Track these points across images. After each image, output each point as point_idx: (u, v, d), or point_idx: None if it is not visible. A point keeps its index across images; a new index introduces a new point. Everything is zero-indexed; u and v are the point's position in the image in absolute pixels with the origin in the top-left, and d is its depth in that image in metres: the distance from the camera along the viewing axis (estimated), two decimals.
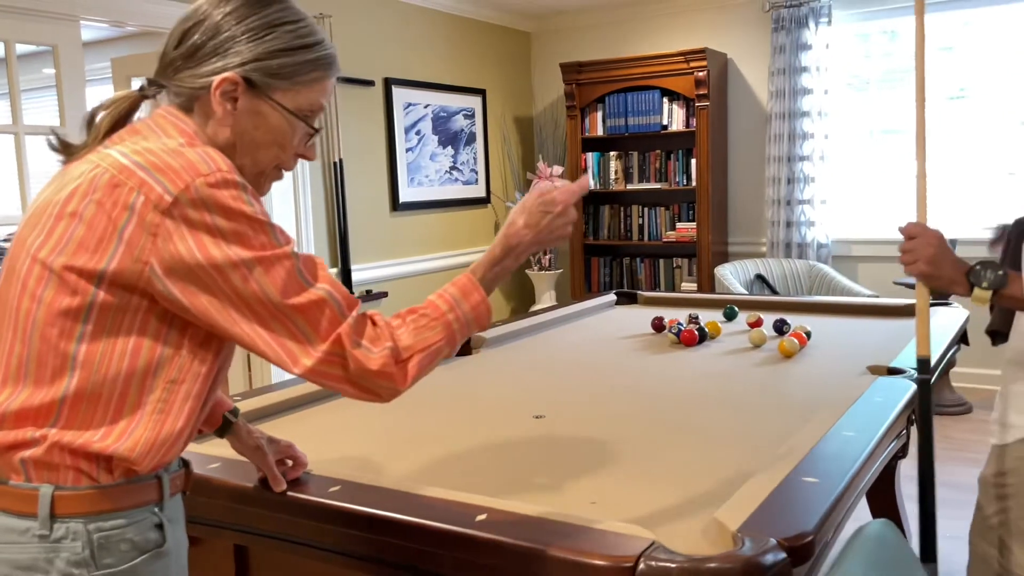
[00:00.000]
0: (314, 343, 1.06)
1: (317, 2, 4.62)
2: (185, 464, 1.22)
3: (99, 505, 1.04)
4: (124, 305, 1.04)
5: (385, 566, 1.28)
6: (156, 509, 1.10)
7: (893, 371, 2.07)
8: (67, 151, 1.13)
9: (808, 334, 2.57)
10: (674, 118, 5.55)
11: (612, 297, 3.58)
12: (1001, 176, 5.05)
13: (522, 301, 6.36)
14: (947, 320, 2.69)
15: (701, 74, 5.31)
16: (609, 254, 6.04)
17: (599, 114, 5.77)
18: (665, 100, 5.56)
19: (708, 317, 3.07)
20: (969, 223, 5.08)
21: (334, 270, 4.77)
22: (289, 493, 1.38)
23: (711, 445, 1.66)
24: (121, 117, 1.14)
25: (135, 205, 1.01)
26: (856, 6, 5.25)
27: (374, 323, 1.12)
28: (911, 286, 4.73)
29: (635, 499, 1.39)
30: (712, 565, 1.07)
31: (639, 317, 3.20)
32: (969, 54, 5.05)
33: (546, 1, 5.72)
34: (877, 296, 4.40)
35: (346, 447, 1.73)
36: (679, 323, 2.75)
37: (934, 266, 1.62)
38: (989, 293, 1.58)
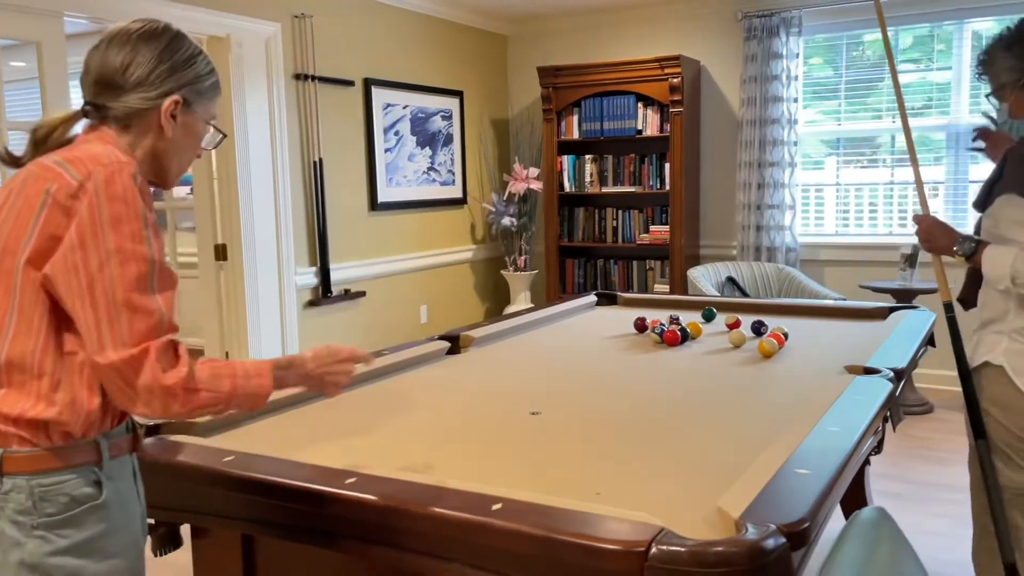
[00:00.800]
0: (126, 343, 1.23)
1: (299, 3, 4.64)
2: (133, 429, 1.40)
3: (39, 464, 1.25)
4: (37, 282, 1.25)
5: (403, 552, 1.34)
6: (95, 469, 1.30)
7: (869, 371, 2.17)
8: (15, 163, 1.36)
9: (786, 335, 2.67)
10: (648, 123, 5.66)
11: (593, 298, 3.66)
12: (963, 182, 5.23)
13: (497, 302, 6.43)
14: (916, 323, 2.81)
15: (675, 80, 5.42)
16: (583, 255, 6.13)
17: (575, 118, 5.85)
18: (640, 105, 5.66)
19: (687, 318, 3.17)
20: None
21: (313, 269, 4.80)
22: (304, 484, 1.43)
23: (704, 440, 1.74)
24: (60, 132, 1.36)
25: (50, 190, 1.24)
26: (826, 17, 5.41)
27: (177, 353, 1.28)
28: (877, 290, 4.89)
29: (637, 490, 1.47)
30: (719, 549, 1.14)
31: (620, 318, 3.29)
32: (933, 67, 5.23)
33: (523, 5, 5.79)
34: (844, 299, 4.54)
35: (351, 444, 1.78)
36: (661, 324, 2.83)
37: (931, 237, 2.21)
38: (964, 259, 2.13)
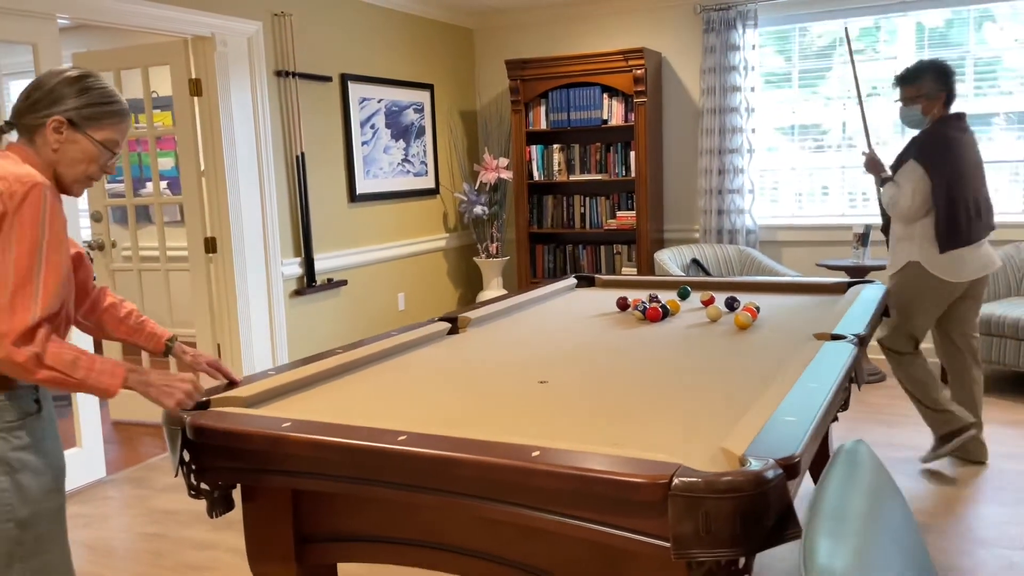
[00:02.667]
0: (14, 324, 1.64)
1: (278, 2, 4.78)
2: None
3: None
4: None
5: (455, 496, 1.56)
6: (35, 390, 1.78)
7: (836, 337, 2.44)
8: None
9: (758, 308, 2.94)
10: (613, 113, 5.91)
11: (573, 280, 3.89)
12: None
13: (470, 288, 6.64)
14: (872, 295, 3.10)
15: (639, 72, 5.67)
16: (553, 241, 6.37)
17: (543, 108, 6.08)
18: (605, 96, 5.91)
19: (664, 297, 3.42)
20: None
21: (298, 259, 4.96)
22: (364, 443, 1.64)
23: (699, 397, 1.98)
24: None
25: None
26: (780, 10, 5.70)
27: (33, 336, 1.66)
28: (832, 267, 5.22)
29: (648, 440, 1.70)
30: (729, 478, 1.38)
31: (600, 298, 3.53)
32: (880, 55, 5.56)
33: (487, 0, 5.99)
34: (802, 276, 4.85)
35: (380, 412, 1.99)
36: (643, 302, 3.08)
37: (872, 167, 3.79)
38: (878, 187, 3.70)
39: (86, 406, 3.97)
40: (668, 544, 1.40)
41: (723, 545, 1.37)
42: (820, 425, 1.70)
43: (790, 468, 1.46)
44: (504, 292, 6.26)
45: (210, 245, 4.57)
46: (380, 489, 1.69)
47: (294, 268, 4.94)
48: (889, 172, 3.70)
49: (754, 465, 1.42)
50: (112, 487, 3.93)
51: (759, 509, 1.38)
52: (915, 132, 3.69)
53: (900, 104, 3.65)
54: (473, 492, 1.56)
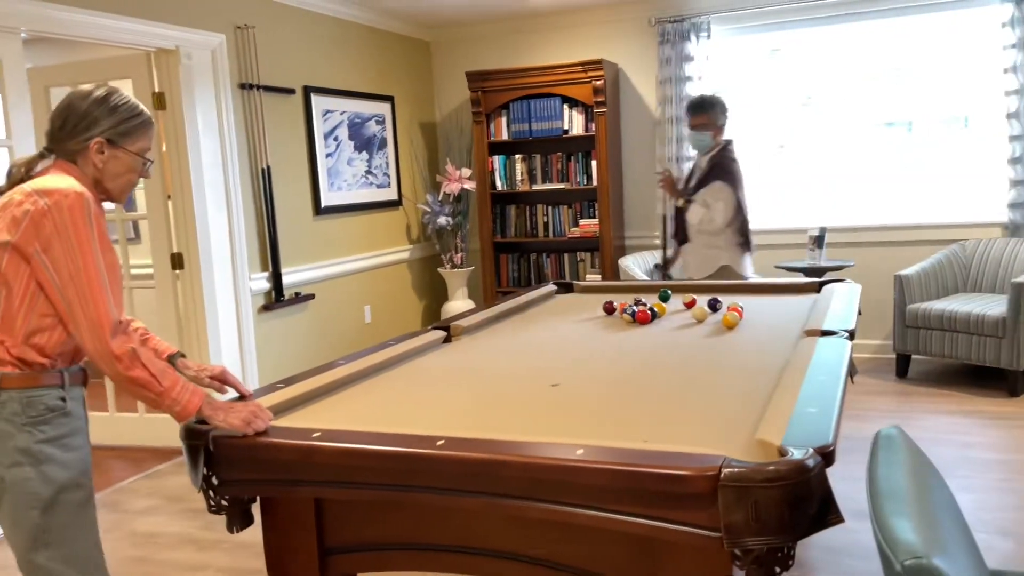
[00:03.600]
0: (103, 319, 1.78)
1: (241, 15, 4.73)
2: (83, 368, 1.96)
3: (24, 383, 1.83)
4: (18, 265, 1.80)
5: (498, 498, 1.58)
6: (61, 388, 1.88)
7: (826, 333, 2.53)
8: None
9: (742, 308, 3.02)
10: (574, 123, 5.99)
11: (552, 287, 3.94)
12: (853, 172, 5.80)
13: (435, 299, 6.63)
14: (849, 293, 3.22)
15: (599, 83, 5.77)
16: (517, 251, 6.42)
17: (504, 119, 6.13)
18: (565, 107, 5.99)
19: (647, 301, 3.48)
20: (829, 214, 5.81)
21: (265, 274, 4.89)
22: (403, 449, 1.64)
23: (712, 393, 2.04)
24: (31, 168, 1.91)
25: (29, 211, 1.78)
26: (732, 22, 5.87)
27: (126, 331, 1.85)
28: (790, 269, 5.37)
29: (675, 436, 1.74)
30: (774, 467, 1.43)
31: (583, 303, 3.58)
32: (816, 66, 5.77)
33: (442, 12, 6.01)
34: (763, 278, 4.99)
35: (400, 418, 1.99)
36: (631, 306, 3.13)
37: (669, 187, 4.28)
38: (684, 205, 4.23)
39: None
40: (717, 534, 1.44)
41: (772, 532, 1.42)
42: (840, 415, 1.77)
43: (827, 456, 1.52)
44: (470, 302, 6.28)
45: (176, 261, 4.48)
46: (413, 495, 1.70)
47: (262, 283, 4.87)
48: (681, 192, 4.27)
49: (796, 454, 1.47)
50: None
51: (804, 496, 1.43)
52: (701, 154, 4.27)
53: (691, 130, 4.20)
54: (517, 493, 1.58)
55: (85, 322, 1.77)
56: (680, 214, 4.26)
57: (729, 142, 4.19)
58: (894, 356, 5.37)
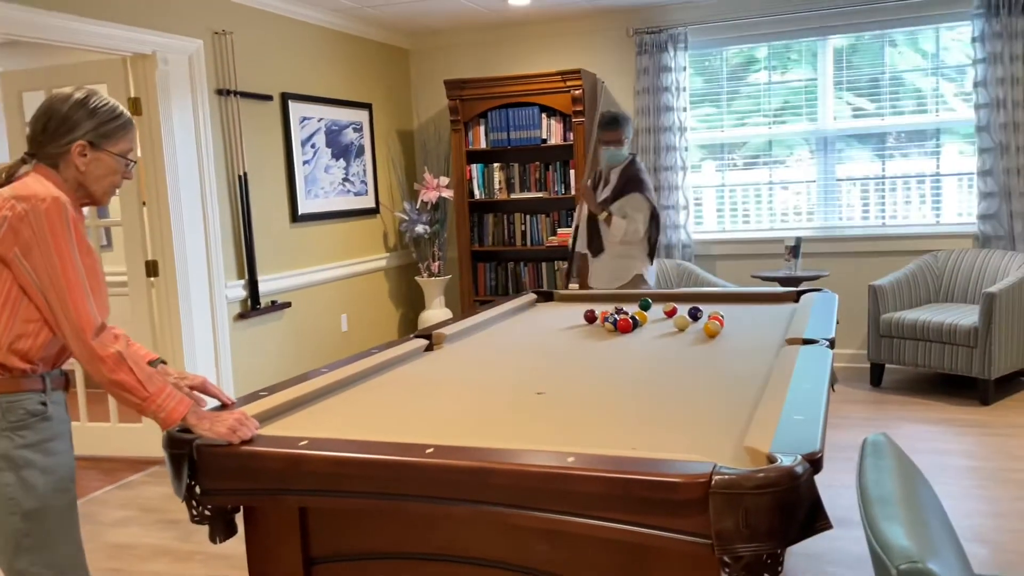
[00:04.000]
0: (83, 321, 1.79)
1: (219, 20, 4.69)
2: (63, 373, 1.97)
3: (4, 388, 1.83)
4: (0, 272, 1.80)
5: (491, 506, 1.57)
6: (42, 393, 1.88)
7: (808, 341, 2.56)
8: None
9: (723, 317, 3.04)
10: (552, 132, 6.02)
11: (532, 296, 3.94)
12: (828, 183, 5.88)
13: (412, 307, 6.61)
14: (827, 302, 3.26)
15: (577, 92, 5.80)
16: (494, 259, 6.41)
17: (482, 128, 6.13)
18: (544, 116, 6.01)
19: (627, 309, 3.49)
20: (806, 222, 5.88)
21: (241, 282, 4.85)
22: (391, 457, 1.63)
23: (697, 401, 2.04)
24: (11, 174, 1.90)
25: (7, 216, 1.78)
26: (708, 34, 5.93)
27: (111, 334, 1.83)
28: (766, 278, 5.42)
29: (662, 443, 1.75)
30: (763, 474, 1.44)
31: (564, 312, 3.58)
32: (790, 77, 5.85)
33: (421, 20, 6.01)
34: (738, 287, 5.03)
35: (385, 428, 1.97)
36: (612, 314, 3.14)
37: (586, 199, 4.30)
38: (605, 217, 4.27)
39: None
40: (707, 541, 1.45)
41: (762, 539, 1.43)
42: (826, 423, 1.79)
43: (815, 463, 1.53)
44: (448, 311, 6.26)
45: (151, 268, 4.42)
46: (400, 503, 1.68)
47: (238, 291, 4.82)
48: (601, 204, 4.28)
49: (785, 461, 1.48)
50: None
51: (794, 502, 1.44)
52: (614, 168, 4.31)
53: (605, 146, 4.25)
54: (506, 501, 1.57)
55: (67, 325, 1.78)
56: (594, 224, 4.33)
57: (635, 155, 4.35)
58: (868, 365, 5.43)
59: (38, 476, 1.84)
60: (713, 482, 1.43)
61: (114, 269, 4.70)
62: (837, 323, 3.37)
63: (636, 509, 1.50)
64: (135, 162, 2.02)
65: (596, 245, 4.37)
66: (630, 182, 4.24)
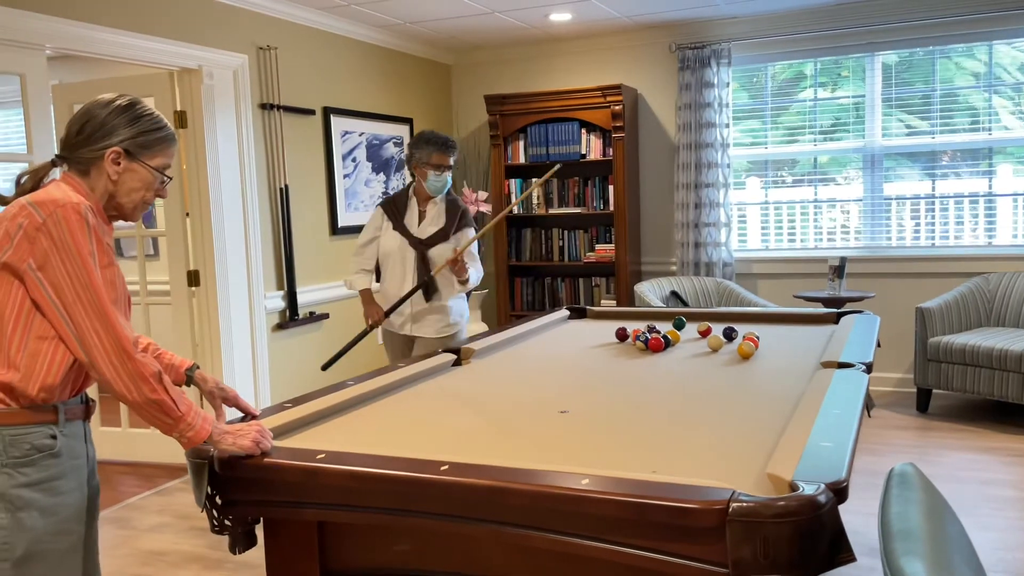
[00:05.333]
0: (122, 338, 1.67)
1: (264, 36, 4.78)
2: (85, 401, 1.82)
3: (8, 419, 1.66)
4: (10, 285, 1.66)
5: (504, 526, 1.55)
6: (53, 426, 1.70)
7: (843, 365, 2.48)
8: (3, 202, 1.77)
9: (758, 338, 2.98)
10: (592, 147, 5.99)
11: (565, 312, 3.91)
12: (876, 202, 5.75)
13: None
14: (868, 324, 3.17)
15: (617, 108, 5.77)
16: (531, 274, 6.40)
17: (521, 143, 6.14)
18: (583, 131, 5.99)
19: (660, 328, 3.45)
20: (846, 242, 5.75)
21: (280, 292, 4.90)
22: (406, 473, 1.62)
23: (724, 424, 2.00)
24: (40, 178, 1.80)
25: (22, 224, 1.65)
26: (753, 49, 5.86)
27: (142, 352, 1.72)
28: (809, 299, 5.32)
29: (684, 468, 1.71)
30: (784, 503, 1.40)
31: (597, 329, 3.54)
32: (838, 94, 5.75)
33: (465, 36, 6.05)
34: (780, 307, 4.94)
35: (405, 442, 1.96)
36: (644, 333, 3.10)
37: (456, 271, 3.46)
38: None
39: None
40: (724, 570, 1.40)
41: (781, 570, 1.38)
42: (854, 450, 1.73)
43: (840, 492, 1.47)
44: (484, 325, 6.26)
45: (193, 278, 4.50)
46: (415, 520, 1.67)
47: (277, 301, 4.88)
48: (427, 243, 3.60)
49: (807, 490, 1.43)
50: None
51: (815, 533, 1.39)
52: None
53: (437, 171, 3.56)
54: (521, 521, 1.54)
55: (103, 343, 1.64)
56: (427, 272, 3.56)
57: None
58: (915, 390, 5.28)
59: (37, 518, 1.66)
60: (731, 509, 1.39)
61: (161, 278, 4.79)
62: (878, 346, 3.29)
63: (651, 535, 1.46)
64: (171, 179, 1.90)
65: (432, 292, 3.62)
66: (463, 216, 3.65)
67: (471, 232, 3.65)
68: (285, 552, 1.92)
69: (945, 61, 5.53)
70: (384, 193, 5.86)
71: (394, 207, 3.66)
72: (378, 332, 3.88)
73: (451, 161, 3.62)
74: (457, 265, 3.45)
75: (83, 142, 1.77)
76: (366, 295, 3.73)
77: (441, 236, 3.61)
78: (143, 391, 1.65)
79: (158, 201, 5.26)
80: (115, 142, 1.77)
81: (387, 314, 3.59)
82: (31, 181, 1.80)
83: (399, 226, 3.62)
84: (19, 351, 1.66)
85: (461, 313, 3.77)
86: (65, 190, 1.72)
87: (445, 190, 3.65)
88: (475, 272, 3.59)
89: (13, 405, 1.66)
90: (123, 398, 1.67)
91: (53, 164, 1.81)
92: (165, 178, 1.87)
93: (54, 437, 1.70)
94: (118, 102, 1.80)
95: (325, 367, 3.67)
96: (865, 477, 4.06)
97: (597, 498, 1.48)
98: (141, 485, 4.36)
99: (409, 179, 3.71)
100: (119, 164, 1.78)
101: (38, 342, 1.67)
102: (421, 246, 3.59)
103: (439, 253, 3.58)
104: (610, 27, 5.94)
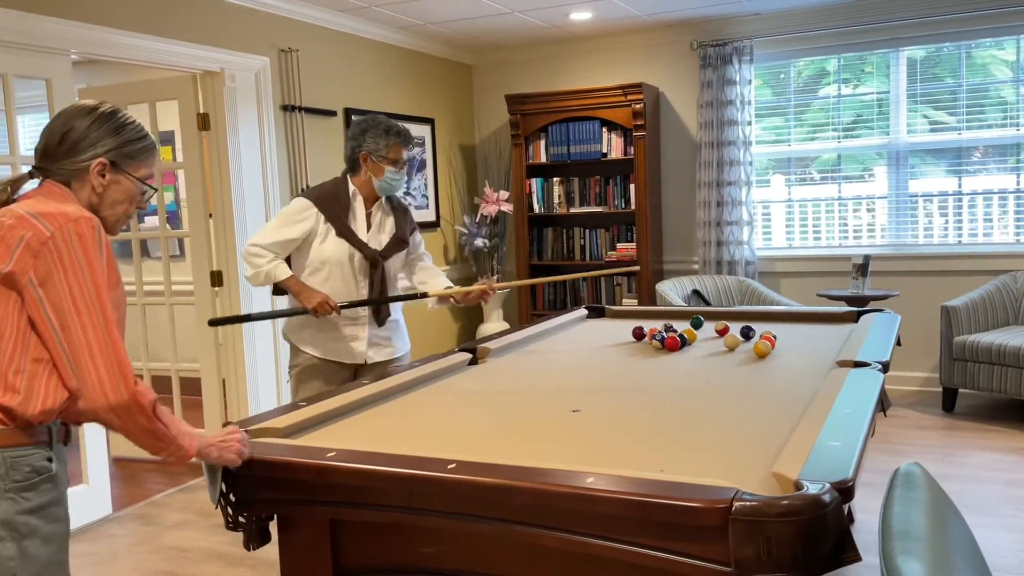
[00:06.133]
0: (124, 363, 1.59)
1: (285, 38, 4.83)
2: (66, 425, 1.72)
3: (9, 439, 1.58)
4: (7, 300, 1.58)
5: (510, 524, 1.56)
6: (48, 447, 1.64)
7: (859, 364, 2.46)
8: None
9: (775, 337, 2.96)
10: (613, 146, 5.98)
11: (583, 311, 3.91)
12: (899, 199, 5.68)
13: (470, 320, 6.64)
14: (887, 323, 3.14)
15: (638, 106, 5.76)
16: (553, 273, 6.40)
17: (542, 142, 6.14)
18: (604, 130, 5.98)
19: (677, 327, 3.44)
20: (874, 240, 5.69)
21: None
22: (413, 471, 1.64)
23: (734, 423, 1.99)
24: (16, 190, 1.71)
25: (25, 237, 1.56)
26: (775, 46, 5.82)
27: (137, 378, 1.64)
28: (833, 297, 5.27)
29: (692, 467, 1.71)
30: (787, 502, 1.39)
31: (614, 328, 3.54)
32: (862, 90, 5.69)
33: (486, 36, 6.06)
34: (802, 306, 4.90)
35: (416, 441, 1.98)
36: (660, 332, 3.09)
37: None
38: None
39: (93, 442, 3.92)
40: (728, 569, 1.40)
41: (784, 569, 1.37)
42: (863, 450, 1.72)
43: (845, 491, 1.47)
44: (505, 324, 6.27)
45: (216, 279, 4.56)
46: (425, 518, 1.69)
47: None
48: (383, 253, 3.09)
49: (811, 489, 1.43)
50: (118, 524, 3.88)
51: (819, 532, 1.38)
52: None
53: (397, 168, 3.02)
54: (527, 520, 1.55)
55: (102, 367, 1.55)
56: (384, 288, 3.11)
57: None
58: (940, 390, 5.22)
59: (40, 547, 1.59)
60: (734, 508, 1.39)
61: (186, 278, 4.86)
62: (898, 345, 3.26)
63: (656, 533, 1.47)
64: (155, 190, 1.81)
65: (385, 313, 3.13)
66: (410, 218, 3.20)
67: (420, 237, 3.26)
68: (298, 549, 1.95)
69: (972, 55, 5.45)
70: (406, 193, 5.89)
71: (333, 207, 2.98)
72: (289, 368, 3.17)
73: (405, 158, 3.05)
74: (471, 295, 3.14)
75: (66, 153, 1.68)
76: (295, 282, 2.98)
77: (398, 245, 3.10)
78: (139, 422, 1.58)
79: (183, 203, 5.33)
80: (101, 152, 1.68)
81: (341, 308, 2.95)
82: (4, 193, 1.70)
83: (344, 231, 2.98)
84: (18, 373, 1.58)
85: (404, 338, 3.31)
86: (70, 203, 1.65)
87: (399, 191, 3.14)
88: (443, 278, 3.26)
89: (11, 425, 1.59)
90: (111, 425, 1.60)
91: (30, 175, 1.73)
92: (149, 189, 1.79)
93: (50, 460, 1.64)
94: (101, 109, 1.72)
95: (214, 323, 3.08)
96: (886, 477, 4.02)
97: (602, 497, 1.48)
98: (165, 483, 4.43)
99: (344, 171, 3.08)
100: (104, 176, 1.69)
101: (35, 364, 1.59)
102: (379, 258, 3.04)
103: (394, 266, 3.15)
104: (630, 25, 5.92)
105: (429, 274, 3.32)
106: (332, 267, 3.01)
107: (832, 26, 5.61)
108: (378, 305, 3.08)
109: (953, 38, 5.42)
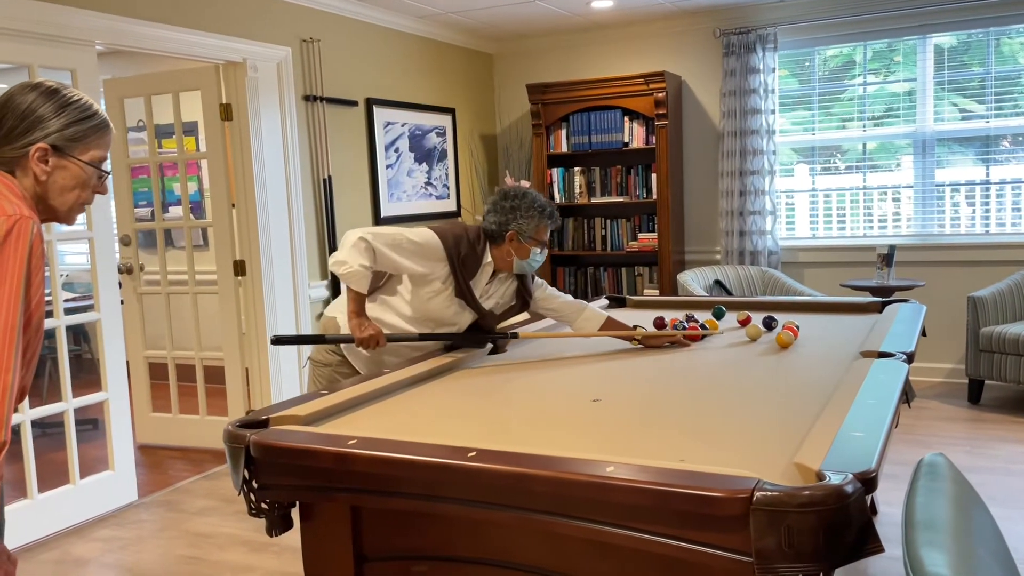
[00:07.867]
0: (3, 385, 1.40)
1: (307, 28, 4.84)
2: None
3: None
4: None
5: (530, 512, 1.56)
6: None
7: (884, 354, 2.44)
8: None
9: (798, 327, 2.94)
10: (634, 136, 5.95)
11: (604, 301, 3.90)
12: (926, 188, 5.61)
13: None
14: (912, 313, 3.10)
15: (660, 95, 5.72)
16: (574, 264, 6.39)
17: (563, 132, 6.12)
18: (626, 119, 5.95)
19: (698, 317, 3.42)
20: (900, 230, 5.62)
21: (324, 282, 4.98)
22: (433, 459, 1.64)
23: (756, 414, 1.98)
24: None
25: None
26: (799, 33, 5.75)
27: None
28: (857, 288, 5.22)
29: (714, 456, 1.70)
30: (809, 492, 1.38)
31: (634, 318, 3.52)
32: (888, 78, 5.61)
33: (507, 25, 6.04)
34: (826, 296, 4.86)
35: (437, 429, 1.99)
36: (681, 322, 3.08)
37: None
38: None
39: (119, 429, 3.97)
40: (749, 559, 1.40)
41: (806, 560, 1.37)
42: (887, 441, 1.70)
43: (868, 482, 1.46)
44: (525, 314, 6.26)
45: (239, 268, 4.59)
46: (445, 506, 1.70)
47: (321, 291, 4.96)
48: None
49: (834, 479, 1.42)
50: (144, 510, 3.93)
51: (841, 523, 1.38)
52: None
53: (541, 250, 2.84)
54: (547, 508, 1.56)
55: None
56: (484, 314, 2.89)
57: None
58: (966, 381, 5.16)
59: None
60: (755, 498, 1.38)
61: (210, 268, 4.90)
62: (923, 336, 3.22)
63: (676, 522, 1.46)
64: (108, 173, 1.65)
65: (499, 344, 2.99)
66: (529, 289, 3.00)
67: (541, 282, 3.07)
68: (319, 536, 1.97)
69: (1002, 42, 5.36)
70: (427, 183, 5.89)
71: (463, 268, 2.78)
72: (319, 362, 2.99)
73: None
74: (654, 338, 2.90)
75: (4, 138, 1.55)
76: (358, 305, 2.75)
77: (514, 309, 2.99)
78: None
79: (206, 192, 5.35)
80: (40, 136, 1.54)
81: (391, 341, 2.74)
82: None
83: (463, 292, 2.78)
84: None
85: None
86: (9, 198, 1.49)
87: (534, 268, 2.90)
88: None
89: None
90: None
91: None
92: (102, 172, 1.63)
93: None
94: (43, 87, 1.57)
95: (276, 341, 2.78)
96: (910, 469, 3.98)
97: (622, 486, 1.48)
98: (190, 469, 4.48)
99: (481, 235, 2.86)
100: (46, 162, 1.56)
101: None
102: (487, 320, 2.90)
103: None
104: (653, 13, 5.88)
105: (582, 316, 3.01)
106: (432, 313, 2.81)
107: (857, 13, 5.54)
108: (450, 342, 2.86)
109: (982, 24, 5.33)
